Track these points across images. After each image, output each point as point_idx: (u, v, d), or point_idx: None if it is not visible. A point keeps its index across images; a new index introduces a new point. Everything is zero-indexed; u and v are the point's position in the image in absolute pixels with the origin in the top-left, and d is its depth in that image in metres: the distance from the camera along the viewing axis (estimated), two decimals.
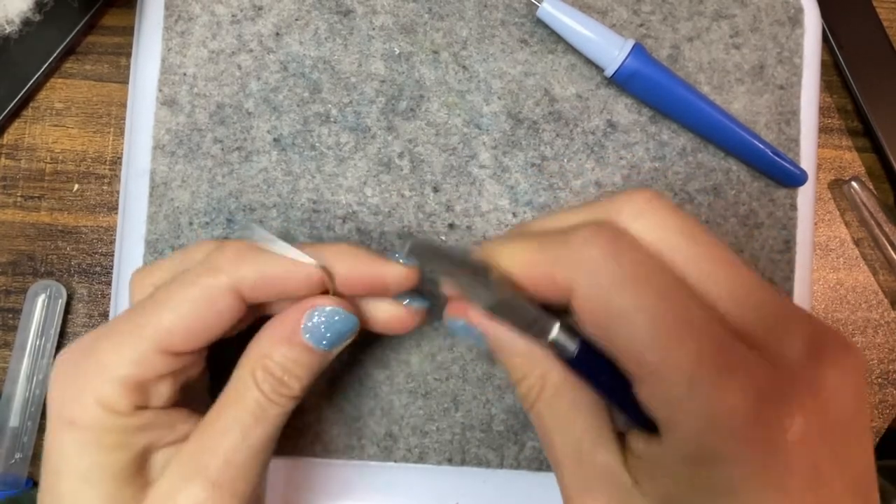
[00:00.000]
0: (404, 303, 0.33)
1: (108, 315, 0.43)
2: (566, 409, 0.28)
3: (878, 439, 0.47)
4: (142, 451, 0.29)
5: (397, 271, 0.31)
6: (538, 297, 0.28)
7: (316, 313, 0.30)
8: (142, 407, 0.29)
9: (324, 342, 0.30)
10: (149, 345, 0.28)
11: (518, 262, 0.28)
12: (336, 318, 0.30)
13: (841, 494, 0.23)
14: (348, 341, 0.32)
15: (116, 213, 0.43)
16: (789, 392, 0.23)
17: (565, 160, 0.42)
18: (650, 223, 0.26)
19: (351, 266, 0.30)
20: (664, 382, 0.24)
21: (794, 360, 0.24)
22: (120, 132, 0.45)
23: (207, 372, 0.34)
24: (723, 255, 0.26)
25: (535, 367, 0.29)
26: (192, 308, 0.29)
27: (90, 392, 0.28)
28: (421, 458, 0.41)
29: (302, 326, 0.30)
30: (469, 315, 0.30)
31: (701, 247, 0.26)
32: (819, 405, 0.24)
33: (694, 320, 0.24)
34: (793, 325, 0.25)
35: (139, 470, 0.29)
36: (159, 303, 0.29)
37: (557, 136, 0.42)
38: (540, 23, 0.41)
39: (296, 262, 0.30)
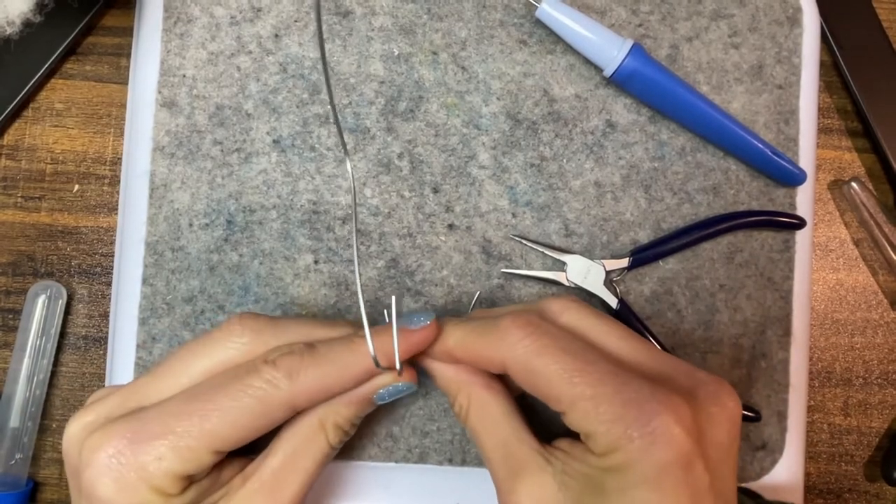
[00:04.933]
0: (421, 323, 0.35)
1: (107, 315, 0.43)
2: (491, 417, 0.35)
3: (878, 439, 0.47)
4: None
5: (431, 332, 0.35)
6: (480, 368, 0.35)
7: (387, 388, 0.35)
8: (189, 484, 0.32)
9: (387, 400, 0.35)
10: (201, 445, 0.31)
11: (462, 345, 0.34)
12: (403, 386, 0.35)
13: None
14: None
15: (117, 214, 0.44)
16: (670, 404, 0.30)
17: (564, 160, 0.42)
18: (574, 315, 0.35)
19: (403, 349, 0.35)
20: (578, 409, 0.31)
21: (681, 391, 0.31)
22: (120, 133, 0.45)
23: None
24: (627, 332, 0.34)
25: (461, 387, 0.35)
26: (246, 417, 0.32)
27: (145, 483, 0.31)
28: (421, 459, 0.41)
29: (375, 396, 0.35)
30: (426, 362, 0.36)
31: (611, 327, 0.35)
32: (699, 427, 0.30)
33: (593, 363, 0.32)
34: (681, 370, 0.33)
35: None
36: (215, 405, 0.32)
37: (556, 136, 0.42)
38: (539, 23, 0.41)
39: (347, 373, 0.34)
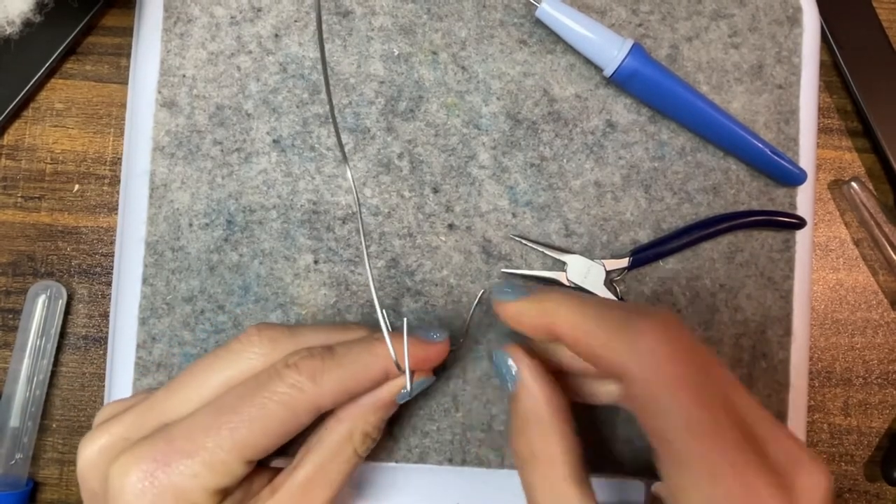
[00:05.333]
0: (435, 339, 0.36)
1: (107, 315, 0.43)
2: (561, 475, 0.32)
3: (878, 439, 0.47)
4: None
5: (444, 349, 0.35)
6: (579, 364, 0.33)
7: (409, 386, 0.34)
8: (224, 497, 0.32)
9: (407, 399, 0.35)
10: (234, 457, 0.31)
11: (577, 327, 0.30)
12: (421, 384, 0.35)
13: None
14: None
15: (116, 214, 0.44)
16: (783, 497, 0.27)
17: (564, 160, 0.42)
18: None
19: (413, 359, 0.34)
20: (689, 472, 0.27)
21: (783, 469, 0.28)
22: (120, 133, 0.45)
23: None
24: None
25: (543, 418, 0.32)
26: (274, 424, 0.32)
27: (183, 502, 0.31)
28: (421, 458, 0.41)
29: (397, 396, 0.35)
30: (523, 363, 0.33)
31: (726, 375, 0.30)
32: None
33: (722, 427, 0.27)
34: (783, 443, 0.29)
35: None
36: (243, 416, 0.31)
37: (556, 136, 0.42)
38: (539, 23, 0.41)
39: (367, 374, 0.33)
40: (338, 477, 0.34)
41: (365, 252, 0.32)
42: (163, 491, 0.30)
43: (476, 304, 0.41)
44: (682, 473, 0.28)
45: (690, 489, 0.28)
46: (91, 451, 0.32)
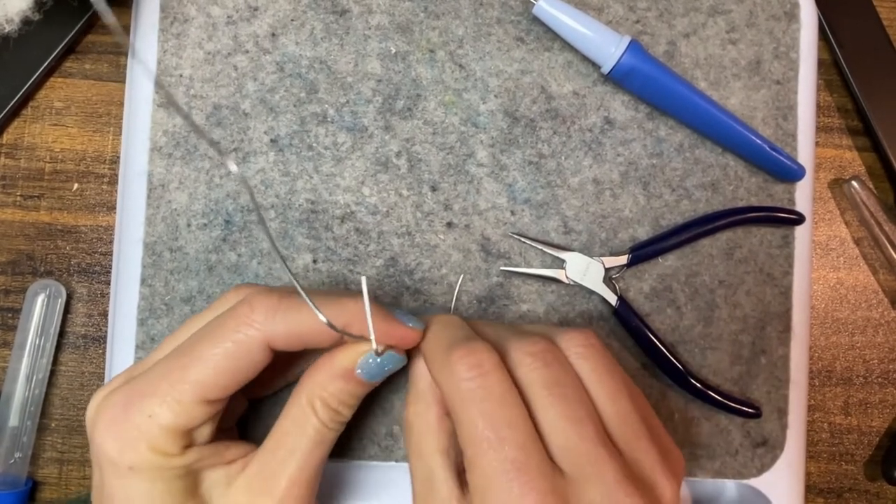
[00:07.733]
0: (409, 324, 0.35)
1: (107, 315, 0.43)
2: (431, 447, 0.34)
3: (878, 438, 0.47)
4: (194, 477, 0.33)
5: (414, 336, 0.35)
6: None
7: (370, 356, 0.34)
8: (189, 445, 0.33)
9: (374, 377, 0.34)
10: (188, 397, 0.32)
11: (423, 345, 0.35)
12: (388, 360, 0.34)
13: None
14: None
15: (115, 213, 0.44)
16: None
17: (563, 158, 0.42)
18: (588, 364, 0.34)
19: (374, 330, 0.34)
20: (473, 465, 0.31)
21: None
22: (119, 131, 0.45)
23: (244, 402, 0.39)
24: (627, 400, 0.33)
25: (422, 397, 0.35)
26: (226, 361, 0.32)
27: (143, 441, 0.31)
28: None
29: (357, 367, 0.34)
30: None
31: (614, 386, 0.33)
32: None
33: (504, 437, 0.30)
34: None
35: (194, 490, 0.33)
36: (195, 356, 0.32)
37: (555, 133, 0.42)
38: (536, 20, 0.41)
39: (321, 323, 0.32)
40: (303, 444, 0.33)
41: (258, 212, 0.32)
42: (124, 430, 0.31)
43: (457, 294, 0.41)
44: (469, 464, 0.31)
45: (470, 477, 0.31)
46: (90, 408, 0.34)
